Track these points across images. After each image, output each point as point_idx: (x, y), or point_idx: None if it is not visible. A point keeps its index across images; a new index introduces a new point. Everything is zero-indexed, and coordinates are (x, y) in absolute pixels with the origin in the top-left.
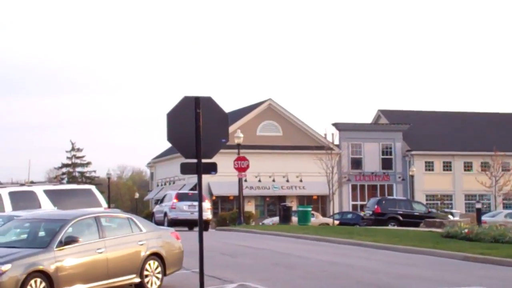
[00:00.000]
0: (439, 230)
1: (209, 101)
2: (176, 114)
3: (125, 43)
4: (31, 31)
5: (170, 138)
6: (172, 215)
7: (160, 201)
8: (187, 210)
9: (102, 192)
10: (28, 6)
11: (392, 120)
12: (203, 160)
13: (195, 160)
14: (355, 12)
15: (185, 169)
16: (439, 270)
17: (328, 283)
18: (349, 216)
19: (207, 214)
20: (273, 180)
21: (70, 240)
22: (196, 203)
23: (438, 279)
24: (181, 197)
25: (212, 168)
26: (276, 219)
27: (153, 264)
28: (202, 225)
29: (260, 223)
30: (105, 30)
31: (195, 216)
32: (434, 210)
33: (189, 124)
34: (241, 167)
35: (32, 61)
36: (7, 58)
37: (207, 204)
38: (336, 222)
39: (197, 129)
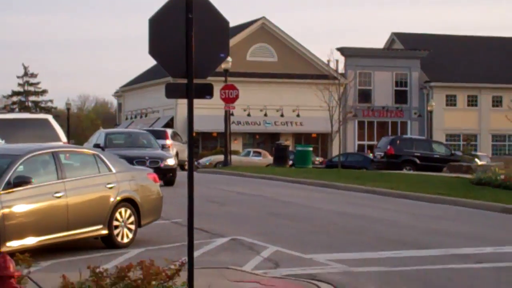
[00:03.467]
0: (467, 176)
1: (204, 3)
2: (161, 20)
3: None
4: None
5: (153, 51)
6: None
7: None
8: None
9: (60, 125)
10: None
11: (409, 45)
12: (196, 81)
13: (185, 80)
14: None
15: (172, 91)
16: (476, 225)
17: (342, 239)
18: (355, 158)
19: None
20: (265, 115)
21: (20, 181)
22: None
23: (476, 235)
24: None
25: (207, 91)
26: (215, 158)
27: (124, 213)
28: (192, 162)
29: (196, 163)
30: None
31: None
32: (458, 153)
33: (179, 33)
34: (229, 97)
35: None
36: None
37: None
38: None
39: (189, 39)
